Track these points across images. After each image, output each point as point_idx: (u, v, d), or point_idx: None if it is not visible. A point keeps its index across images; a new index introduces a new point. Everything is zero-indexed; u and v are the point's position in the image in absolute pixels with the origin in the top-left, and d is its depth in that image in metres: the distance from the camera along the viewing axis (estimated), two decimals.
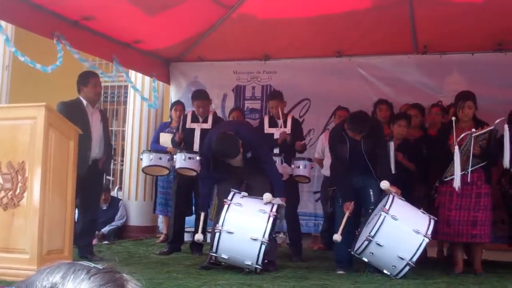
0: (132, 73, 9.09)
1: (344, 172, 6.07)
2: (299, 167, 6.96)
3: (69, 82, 6.71)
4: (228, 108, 8.85)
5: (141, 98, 8.63)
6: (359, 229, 5.89)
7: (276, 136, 7.02)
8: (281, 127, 7.07)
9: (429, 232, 5.54)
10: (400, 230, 5.59)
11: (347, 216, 5.82)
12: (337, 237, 5.81)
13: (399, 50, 8.23)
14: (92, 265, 1.06)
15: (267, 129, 7.13)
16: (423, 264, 5.86)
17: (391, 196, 5.64)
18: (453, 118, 5.93)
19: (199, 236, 6.07)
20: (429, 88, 8.16)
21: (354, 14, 7.44)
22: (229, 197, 5.78)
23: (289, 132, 7.04)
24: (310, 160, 7.17)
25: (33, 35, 6.73)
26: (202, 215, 6.12)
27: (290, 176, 6.92)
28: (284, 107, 7.32)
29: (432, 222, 5.61)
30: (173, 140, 7.37)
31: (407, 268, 5.49)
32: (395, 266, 5.53)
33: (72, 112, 5.98)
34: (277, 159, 6.68)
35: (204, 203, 6.31)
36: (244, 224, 5.69)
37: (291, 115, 7.47)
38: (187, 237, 7.74)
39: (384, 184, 5.69)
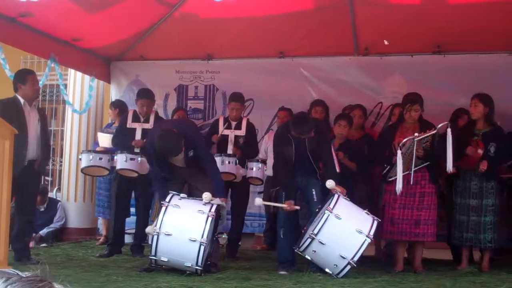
0: (72, 72, 8.90)
1: (289, 172, 6.11)
2: (252, 169, 6.99)
3: (4, 81, 6.50)
4: (170, 107, 8.79)
5: (67, 103, 8.49)
6: (305, 227, 5.90)
7: (231, 137, 7.07)
8: (234, 129, 7.12)
9: (372, 232, 5.60)
10: (342, 229, 5.63)
11: (285, 210, 5.98)
12: (258, 201, 6.16)
13: (341, 52, 8.31)
14: (17, 272, 1.00)
15: (223, 130, 7.11)
16: (362, 262, 5.92)
17: (336, 196, 5.68)
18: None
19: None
20: (370, 89, 8.27)
21: (296, 15, 7.46)
22: (167, 199, 5.70)
23: (244, 134, 7.10)
24: (263, 162, 7.19)
25: None
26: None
27: (244, 177, 6.95)
28: (243, 111, 7.46)
29: (376, 222, 5.67)
30: (113, 140, 7.22)
31: (348, 267, 5.53)
32: (336, 265, 5.57)
33: (8, 110, 5.84)
34: (232, 160, 6.70)
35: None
36: (182, 225, 5.61)
37: (246, 117, 7.47)
38: (127, 239, 7.62)
39: (330, 183, 5.73)
